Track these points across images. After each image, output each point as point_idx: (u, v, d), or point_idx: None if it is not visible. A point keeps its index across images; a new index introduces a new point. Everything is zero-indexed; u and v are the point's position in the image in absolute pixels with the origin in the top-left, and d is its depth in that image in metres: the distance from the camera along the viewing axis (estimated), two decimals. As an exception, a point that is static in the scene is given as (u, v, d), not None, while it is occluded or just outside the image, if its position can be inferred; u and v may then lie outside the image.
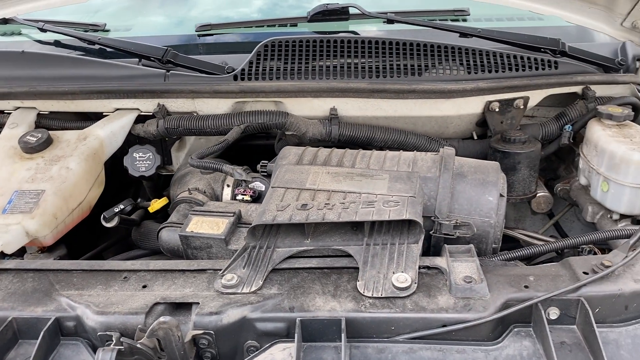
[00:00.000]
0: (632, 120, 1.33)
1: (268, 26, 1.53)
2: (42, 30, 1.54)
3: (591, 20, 1.39)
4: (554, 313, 0.86)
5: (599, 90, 1.38)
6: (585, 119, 1.32)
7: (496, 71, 1.33)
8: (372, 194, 0.99)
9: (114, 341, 0.78)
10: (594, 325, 0.81)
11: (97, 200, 1.28)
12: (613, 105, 1.28)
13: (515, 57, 1.34)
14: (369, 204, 0.97)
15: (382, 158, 1.11)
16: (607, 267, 0.90)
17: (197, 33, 1.52)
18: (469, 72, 1.32)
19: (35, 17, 1.58)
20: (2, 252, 1.01)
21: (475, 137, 1.42)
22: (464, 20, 1.54)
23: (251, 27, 1.55)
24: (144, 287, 0.92)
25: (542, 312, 0.84)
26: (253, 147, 1.49)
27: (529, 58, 1.34)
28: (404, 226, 0.98)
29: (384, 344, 0.84)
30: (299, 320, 0.82)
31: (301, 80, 1.28)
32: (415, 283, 0.88)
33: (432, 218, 1.01)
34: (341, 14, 1.44)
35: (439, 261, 0.93)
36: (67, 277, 0.95)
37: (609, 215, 1.21)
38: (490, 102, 1.31)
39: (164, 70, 1.34)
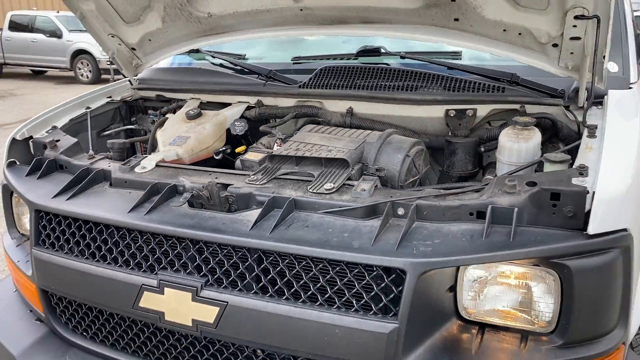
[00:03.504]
0: (553, 131, 1.93)
1: (333, 59, 2.44)
2: (212, 56, 2.67)
3: (537, 61, 1.98)
4: (401, 210, 1.58)
5: (538, 109, 1.99)
6: (515, 127, 1.94)
7: (458, 90, 2.03)
8: (332, 147, 1.82)
9: (193, 192, 1.74)
10: (416, 219, 1.52)
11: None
12: (527, 116, 1.89)
13: (472, 82, 2.03)
14: (329, 150, 1.80)
15: (355, 132, 1.93)
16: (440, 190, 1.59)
17: (291, 62, 2.51)
18: (446, 90, 2.05)
19: (211, 49, 2.72)
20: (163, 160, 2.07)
21: (450, 136, 2.12)
22: (459, 58, 2.25)
23: (323, 59, 2.47)
24: (212, 175, 1.87)
25: (387, 207, 1.56)
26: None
27: (483, 84, 2.02)
28: (346, 163, 1.78)
29: (315, 213, 1.63)
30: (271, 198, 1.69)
31: (331, 90, 2.16)
32: (335, 189, 1.67)
33: (365, 163, 1.80)
34: (374, 51, 2.29)
35: (356, 182, 1.71)
36: (184, 171, 1.95)
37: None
38: (448, 109, 2.02)
39: (264, 81, 2.34)
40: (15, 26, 17.50)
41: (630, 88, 2.10)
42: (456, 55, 2.26)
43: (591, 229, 1.37)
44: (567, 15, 1.77)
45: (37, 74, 19.85)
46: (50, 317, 1.95)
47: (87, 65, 16.68)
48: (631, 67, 2.17)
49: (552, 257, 1.38)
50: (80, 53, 16.70)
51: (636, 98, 2.07)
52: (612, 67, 2.13)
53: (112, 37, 2.51)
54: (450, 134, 2.11)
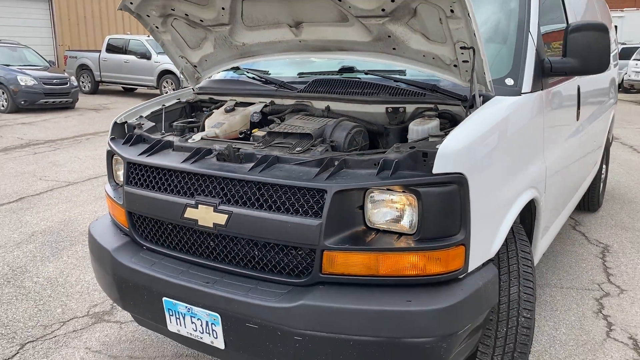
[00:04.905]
0: (454, 122, 2.93)
1: (326, 75, 3.54)
2: (247, 72, 3.85)
3: (448, 76, 2.98)
4: (336, 162, 2.63)
5: (445, 108, 2.99)
6: (429, 119, 2.95)
7: (396, 95, 3.08)
8: (306, 127, 2.92)
9: (219, 151, 2.88)
10: (343, 167, 2.58)
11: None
12: (433, 111, 2.91)
13: (407, 90, 3.07)
14: (303, 129, 2.90)
15: (323, 119, 3.01)
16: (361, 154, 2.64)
17: (297, 76, 3.64)
18: (388, 95, 3.11)
19: (246, 67, 3.90)
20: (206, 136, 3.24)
21: (395, 125, 3.16)
22: (404, 75, 3.28)
23: (318, 74, 3.58)
24: (231, 143, 3.01)
25: (327, 160, 2.63)
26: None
27: (413, 91, 3.05)
28: (311, 137, 2.87)
29: (287, 164, 2.74)
30: (263, 155, 2.80)
31: (316, 94, 3.26)
32: (302, 151, 2.76)
33: (324, 137, 2.88)
34: (349, 69, 3.37)
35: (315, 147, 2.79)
36: (217, 142, 3.10)
37: (412, 154, 2.84)
38: (387, 107, 3.07)
39: (276, 87, 3.48)
40: (111, 48, 19.91)
41: (520, 95, 3.07)
42: (401, 72, 3.30)
43: (434, 170, 2.38)
44: (456, 46, 2.78)
45: (128, 91, 22.21)
46: (132, 230, 3.14)
47: (171, 84, 18.67)
48: (524, 82, 3.13)
49: (410, 186, 2.39)
50: (165, 73, 18.76)
51: (522, 102, 3.04)
52: (509, 81, 3.11)
53: (181, 57, 3.74)
54: (388, 123, 3.15)
